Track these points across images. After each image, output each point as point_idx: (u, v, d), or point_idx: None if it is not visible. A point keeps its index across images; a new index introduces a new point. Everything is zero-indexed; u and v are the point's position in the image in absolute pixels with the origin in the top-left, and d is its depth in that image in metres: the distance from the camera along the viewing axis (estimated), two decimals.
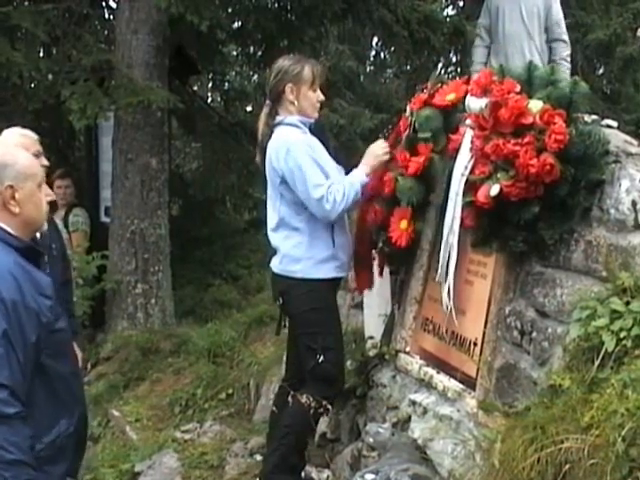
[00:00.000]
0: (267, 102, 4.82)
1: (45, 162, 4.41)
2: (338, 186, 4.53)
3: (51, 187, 4.91)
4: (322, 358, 4.64)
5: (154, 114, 8.50)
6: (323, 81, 4.78)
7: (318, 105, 4.78)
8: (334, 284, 4.87)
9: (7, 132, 4.58)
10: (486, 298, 4.16)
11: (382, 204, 4.76)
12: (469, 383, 4.17)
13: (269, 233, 4.85)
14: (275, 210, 4.75)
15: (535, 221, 3.72)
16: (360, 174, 4.65)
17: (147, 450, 6.02)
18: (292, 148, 4.55)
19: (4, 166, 3.20)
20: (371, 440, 4.64)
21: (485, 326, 4.11)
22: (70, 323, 4.49)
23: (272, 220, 4.77)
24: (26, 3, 9.51)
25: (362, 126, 15.40)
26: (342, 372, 4.91)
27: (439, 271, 4.35)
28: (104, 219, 9.66)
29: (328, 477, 4.98)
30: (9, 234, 3.17)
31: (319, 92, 4.75)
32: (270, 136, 4.70)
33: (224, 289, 10.18)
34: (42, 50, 9.72)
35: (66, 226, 8.72)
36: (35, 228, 3.41)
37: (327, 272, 4.73)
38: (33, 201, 3.28)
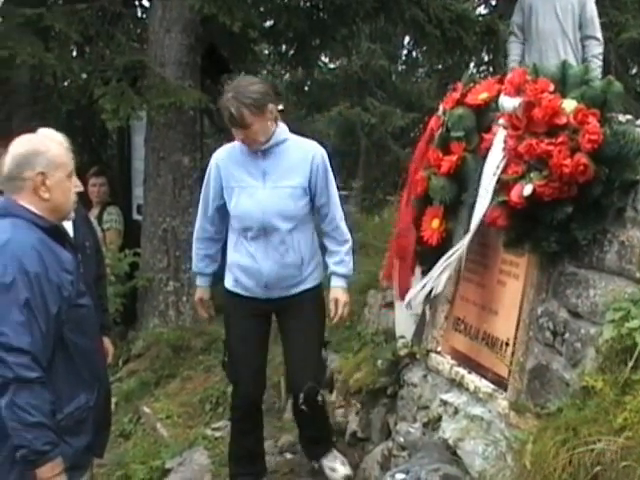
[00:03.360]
0: None
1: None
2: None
3: (85, 185, 4.93)
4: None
5: (186, 113, 8.53)
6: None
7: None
8: (235, 297, 4.87)
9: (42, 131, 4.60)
10: (518, 298, 4.14)
11: (415, 203, 4.75)
12: (501, 384, 4.15)
13: None
14: None
15: (568, 221, 3.69)
16: None
17: (178, 447, 6.05)
18: None
19: (37, 154, 3.32)
20: (402, 440, 4.64)
21: (517, 326, 4.10)
22: (103, 319, 4.54)
23: None
24: (59, 3, 9.57)
25: (393, 125, 15.39)
26: (241, 381, 4.98)
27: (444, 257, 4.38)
28: (136, 217, 9.71)
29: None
30: (36, 215, 3.28)
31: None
32: None
33: None
34: (75, 50, 9.80)
35: (100, 224, 8.78)
36: (62, 215, 3.50)
37: (227, 281, 4.86)
38: (62, 189, 3.40)
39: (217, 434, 6.23)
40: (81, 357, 3.31)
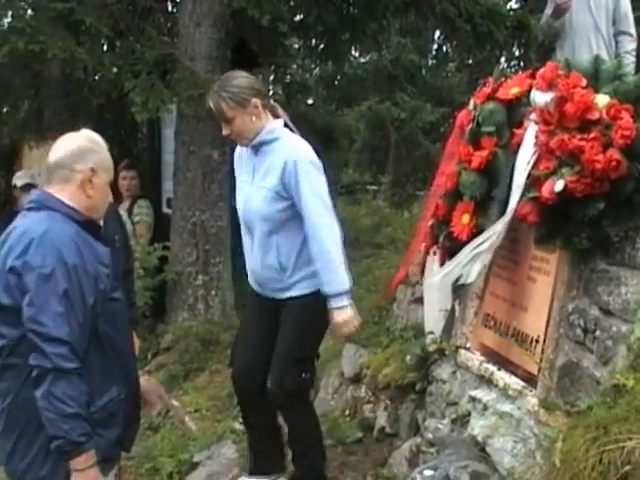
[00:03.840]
0: None
1: None
2: None
3: (116, 178, 4.94)
4: None
5: None
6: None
7: None
8: (252, 290, 4.85)
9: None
10: (549, 295, 4.10)
11: (444, 198, 4.73)
12: (530, 381, 4.12)
13: None
14: None
15: (600, 218, 3.65)
16: None
17: (206, 440, 6.05)
18: None
19: (92, 151, 3.38)
20: (430, 436, 4.62)
21: (547, 323, 4.06)
22: (131, 312, 4.56)
23: None
24: None
25: (423, 120, 15.36)
26: (236, 358, 4.97)
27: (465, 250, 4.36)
28: (166, 210, 9.73)
29: None
30: (72, 208, 3.29)
31: None
32: None
33: None
34: (106, 44, 9.84)
35: (130, 217, 8.81)
36: (96, 217, 3.50)
37: None
38: (103, 191, 3.44)
39: None
40: (113, 350, 3.32)
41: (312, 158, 4.38)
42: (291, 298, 4.53)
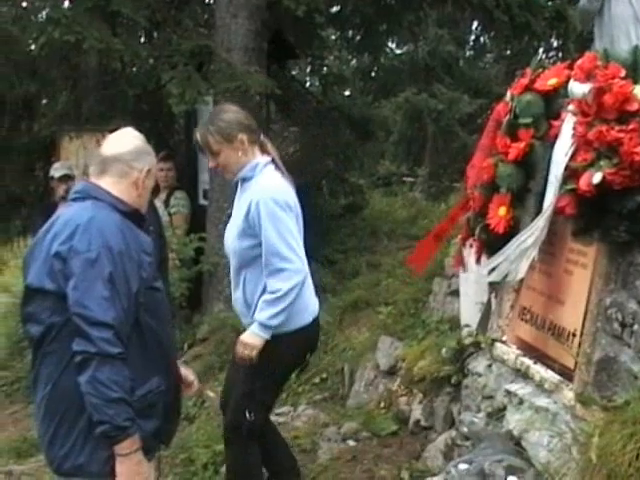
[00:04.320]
0: None
1: None
2: None
3: None
4: None
5: (252, 98, 8.53)
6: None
7: None
8: None
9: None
10: (586, 288, 4.06)
11: (481, 190, 4.70)
12: (567, 375, 4.08)
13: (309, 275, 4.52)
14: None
15: (639, 210, 3.61)
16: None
17: None
18: None
19: (148, 152, 3.48)
20: (465, 429, 4.60)
21: (584, 317, 4.02)
22: None
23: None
24: None
25: (460, 111, 15.28)
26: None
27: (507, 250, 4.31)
28: (202, 202, 9.75)
29: None
30: (117, 198, 3.32)
31: None
32: None
33: (320, 273, 10.18)
34: (143, 35, 9.89)
35: (167, 208, 8.85)
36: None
37: None
38: (147, 193, 3.50)
39: (280, 419, 6.24)
40: (154, 341, 3.31)
41: (278, 198, 4.24)
42: None
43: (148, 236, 3.52)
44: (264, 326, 4.21)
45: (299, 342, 4.37)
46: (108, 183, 3.33)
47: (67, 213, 3.27)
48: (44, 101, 10.78)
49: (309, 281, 4.42)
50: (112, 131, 3.58)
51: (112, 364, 3.01)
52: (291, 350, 4.36)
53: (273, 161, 4.43)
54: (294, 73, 13.61)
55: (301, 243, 4.32)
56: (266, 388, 4.40)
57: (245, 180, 4.38)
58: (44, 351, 3.21)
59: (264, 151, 4.45)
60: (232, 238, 4.41)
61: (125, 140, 3.45)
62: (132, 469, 3.12)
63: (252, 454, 4.54)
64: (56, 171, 7.85)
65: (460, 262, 5.28)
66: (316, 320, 4.44)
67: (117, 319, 3.05)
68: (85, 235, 3.10)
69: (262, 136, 4.47)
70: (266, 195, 4.21)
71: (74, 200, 3.35)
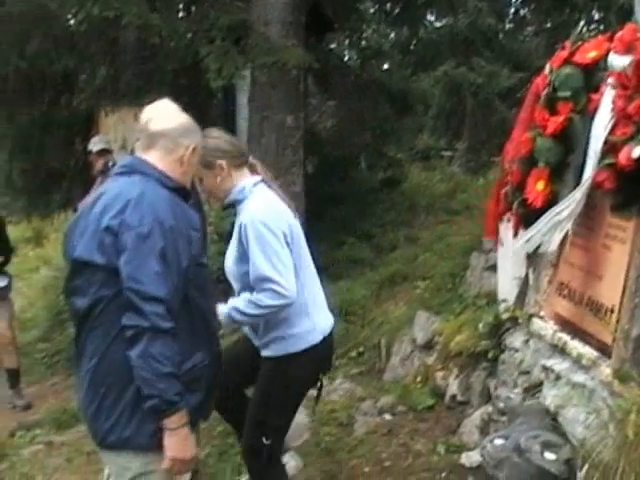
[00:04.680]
0: None
1: None
2: None
3: None
4: None
5: (290, 72, 8.51)
6: None
7: None
8: None
9: None
10: (624, 264, 4.01)
11: (520, 164, 4.66)
12: (604, 351, 4.05)
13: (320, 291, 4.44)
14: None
15: None
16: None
17: None
18: None
19: (195, 130, 3.45)
20: (501, 405, 4.60)
21: (623, 293, 3.98)
22: None
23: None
24: None
25: (500, 85, 15.14)
26: None
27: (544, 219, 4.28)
28: None
29: None
30: (164, 174, 3.33)
31: None
32: None
33: (357, 247, 10.19)
34: (181, 10, 9.88)
35: None
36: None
37: None
38: (192, 170, 3.52)
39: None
40: (200, 316, 3.32)
41: (267, 220, 4.07)
42: (267, 357, 4.28)
43: (197, 211, 3.53)
44: (230, 314, 4.10)
45: (310, 362, 4.23)
46: (154, 158, 3.34)
47: (114, 187, 3.28)
48: (83, 76, 10.83)
49: (319, 299, 4.33)
50: (149, 103, 3.58)
51: (163, 339, 3.03)
52: (302, 371, 4.24)
53: (263, 180, 4.36)
54: (332, 47, 13.54)
55: (291, 268, 4.07)
56: (280, 412, 4.30)
57: (237, 203, 4.28)
58: (90, 324, 3.22)
59: (254, 172, 4.34)
60: (231, 263, 4.29)
61: (172, 116, 3.43)
62: (180, 443, 3.15)
63: (275, 476, 4.46)
64: (94, 145, 7.89)
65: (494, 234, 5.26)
66: (327, 338, 4.28)
67: (169, 294, 3.06)
68: (137, 210, 3.11)
69: (251, 158, 4.40)
70: (254, 218, 4.08)
71: (120, 174, 3.36)
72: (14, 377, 8.16)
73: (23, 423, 7.21)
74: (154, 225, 3.09)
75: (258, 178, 4.28)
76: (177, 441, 3.14)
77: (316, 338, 4.19)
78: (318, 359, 4.28)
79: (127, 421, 3.19)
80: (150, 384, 3.03)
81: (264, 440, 4.22)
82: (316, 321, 4.22)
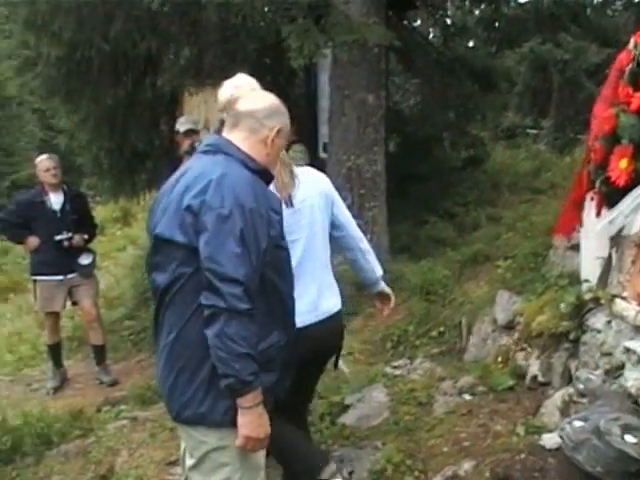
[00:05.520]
0: None
1: None
2: None
3: None
4: None
5: (371, 50, 8.49)
6: None
7: None
8: None
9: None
10: None
11: (602, 142, 4.58)
12: None
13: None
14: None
15: None
16: None
17: (358, 383, 6.12)
18: None
19: (282, 112, 3.45)
20: (582, 386, 4.53)
21: None
22: None
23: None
24: None
25: (588, 61, 14.86)
26: None
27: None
28: (322, 155, 9.79)
29: None
30: (247, 156, 3.34)
31: None
32: None
33: (439, 226, 10.15)
34: None
35: None
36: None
37: None
38: (278, 153, 3.51)
39: (397, 372, 6.27)
40: (277, 298, 3.35)
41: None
42: None
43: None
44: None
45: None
46: (238, 138, 3.36)
47: (197, 166, 3.32)
48: (167, 57, 10.94)
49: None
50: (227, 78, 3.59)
51: (240, 320, 3.06)
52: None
53: None
54: (415, 25, 13.45)
55: None
56: None
57: None
58: (169, 300, 3.28)
59: None
60: None
61: (259, 96, 3.47)
62: (254, 421, 3.19)
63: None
64: (181, 125, 7.98)
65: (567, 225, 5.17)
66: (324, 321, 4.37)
67: (247, 276, 3.08)
68: (218, 190, 3.14)
69: None
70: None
71: (205, 152, 3.39)
72: (100, 354, 8.35)
73: (109, 399, 7.39)
74: (234, 207, 3.11)
75: None
76: (251, 420, 3.18)
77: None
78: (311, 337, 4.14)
79: (202, 397, 3.24)
80: (226, 363, 3.07)
81: None
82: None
